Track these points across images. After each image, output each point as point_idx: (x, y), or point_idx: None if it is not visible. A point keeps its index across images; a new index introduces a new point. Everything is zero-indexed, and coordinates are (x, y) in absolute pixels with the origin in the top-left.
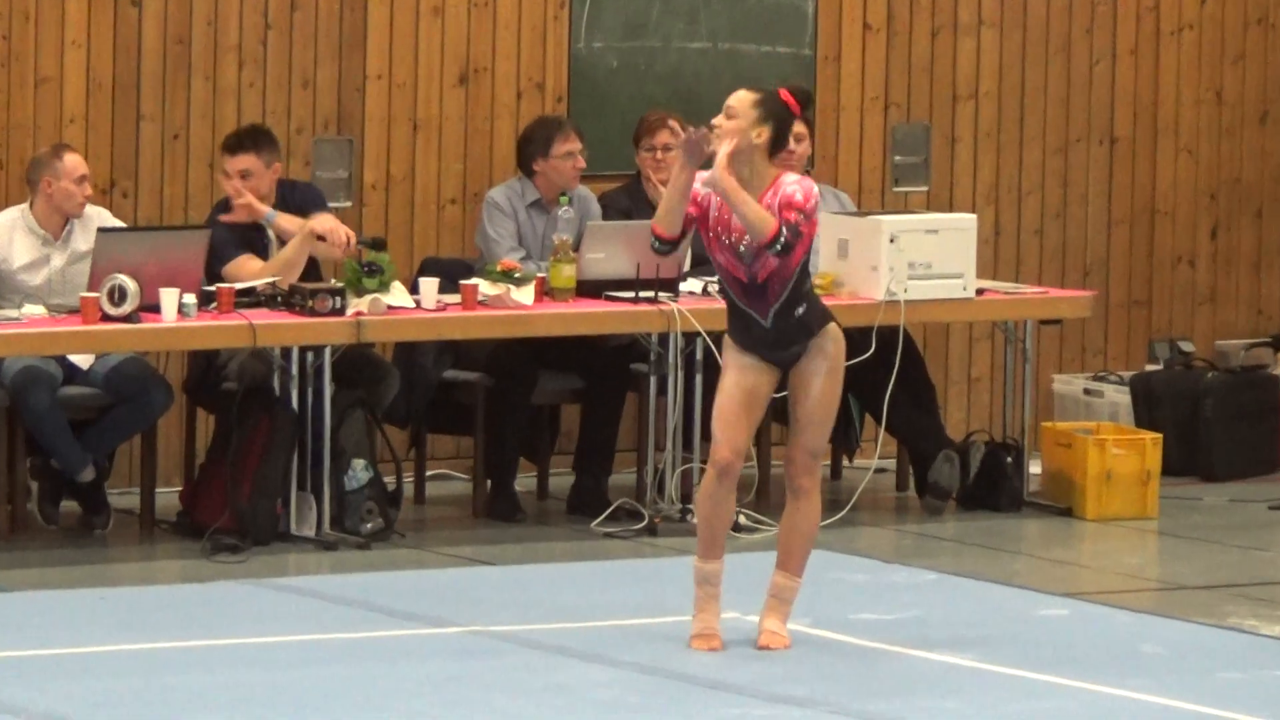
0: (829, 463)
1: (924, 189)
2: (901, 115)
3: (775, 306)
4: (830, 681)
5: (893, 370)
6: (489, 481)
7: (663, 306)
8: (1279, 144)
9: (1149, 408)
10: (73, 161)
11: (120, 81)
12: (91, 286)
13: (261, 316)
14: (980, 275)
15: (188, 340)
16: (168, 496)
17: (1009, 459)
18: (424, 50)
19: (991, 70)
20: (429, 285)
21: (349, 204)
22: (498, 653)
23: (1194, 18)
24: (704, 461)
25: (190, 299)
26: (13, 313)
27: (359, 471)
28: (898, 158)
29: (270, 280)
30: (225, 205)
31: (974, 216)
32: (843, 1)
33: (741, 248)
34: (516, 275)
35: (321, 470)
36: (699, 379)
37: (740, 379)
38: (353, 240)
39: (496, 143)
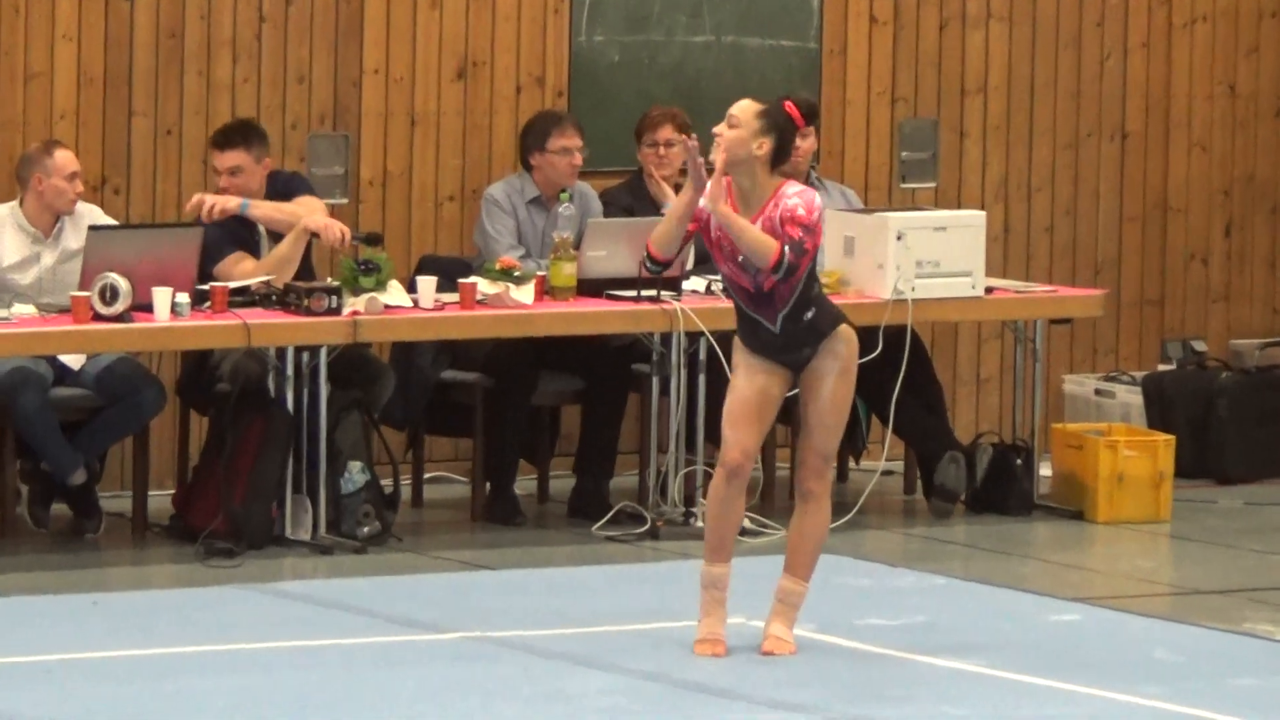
0: (835, 465)
1: (932, 185)
2: (909, 110)
3: (784, 312)
4: (836, 688)
5: (899, 371)
6: (488, 484)
7: (665, 305)
8: None
9: (1162, 409)
10: (63, 158)
11: (112, 76)
12: (83, 285)
13: (256, 316)
14: (989, 273)
15: (181, 340)
16: (160, 499)
17: (1018, 461)
18: (421, 43)
19: (1000, 64)
20: (427, 284)
21: (345, 201)
22: (497, 659)
23: (1207, 10)
24: (708, 463)
25: (183, 298)
26: (2, 312)
27: (355, 474)
28: (905, 153)
29: (265, 279)
30: None
31: (983, 213)
32: None
33: (741, 258)
34: (516, 274)
35: (317, 473)
36: (702, 379)
37: (751, 380)
38: (347, 236)
39: (495, 138)
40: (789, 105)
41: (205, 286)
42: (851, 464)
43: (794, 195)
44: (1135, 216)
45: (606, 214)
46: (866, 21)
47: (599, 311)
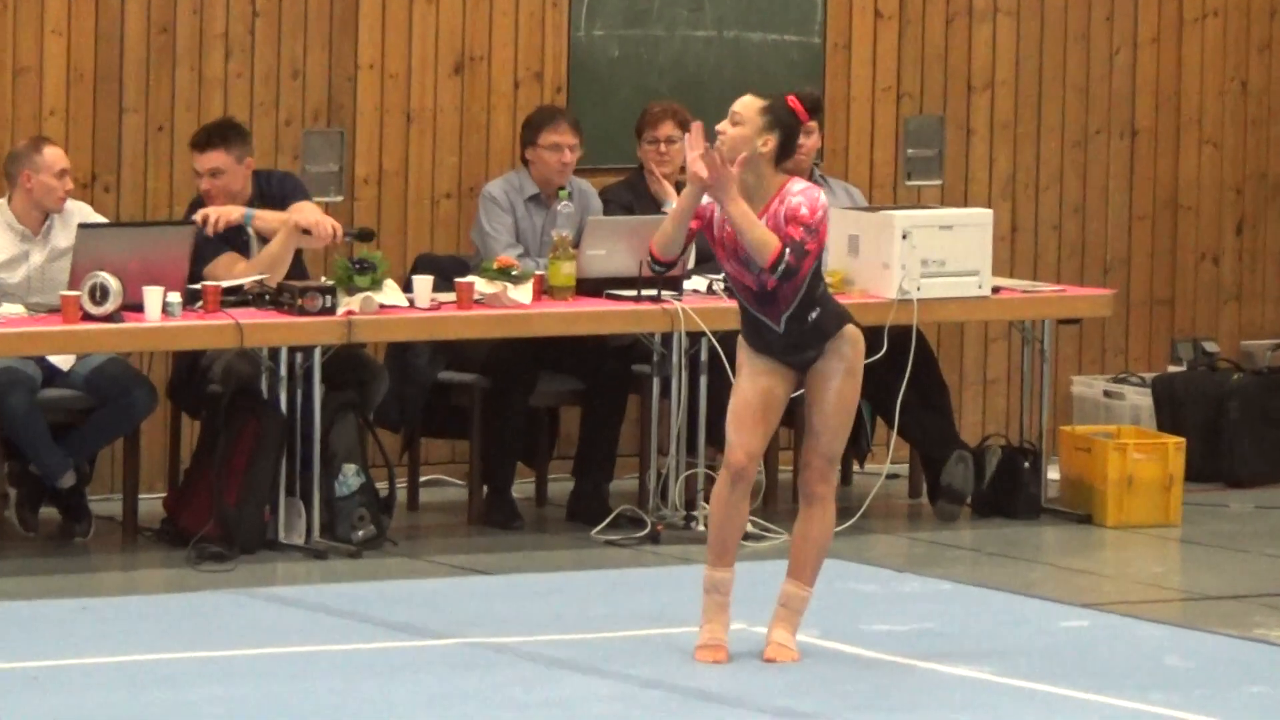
0: (839, 468)
1: (938, 183)
2: (914, 106)
3: (788, 313)
4: (840, 695)
5: (905, 372)
6: (485, 487)
7: (666, 305)
8: None
9: (1172, 410)
10: (53, 155)
11: (102, 71)
12: (72, 285)
13: (248, 316)
14: (996, 273)
15: (172, 340)
16: (151, 503)
17: (1026, 464)
18: (418, 38)
19: (1008, 59)
20: (423, 283)
21: (340, 198)
22: (494, 665)
23: (1218, 4)
24: (709, 466)
25: (174, 298)
26: None
27: (350, 477)
28: (910, 150)
29: (258, 278)
30: (199, 203)
31: (989, 212)
32: None
33: (744, 258)
34: (514, 273)
35: (311, 475)
36: (703, 380)
37: (755, 381)
38: (339, 233)
39: (493, 135)
40: (793, 100)
41: (197, 286)
42: (856, 467)
43: (798, 194)
44: (1145, 215)
45: (606, 212)
46: (871, 16)
47: (598, 311)
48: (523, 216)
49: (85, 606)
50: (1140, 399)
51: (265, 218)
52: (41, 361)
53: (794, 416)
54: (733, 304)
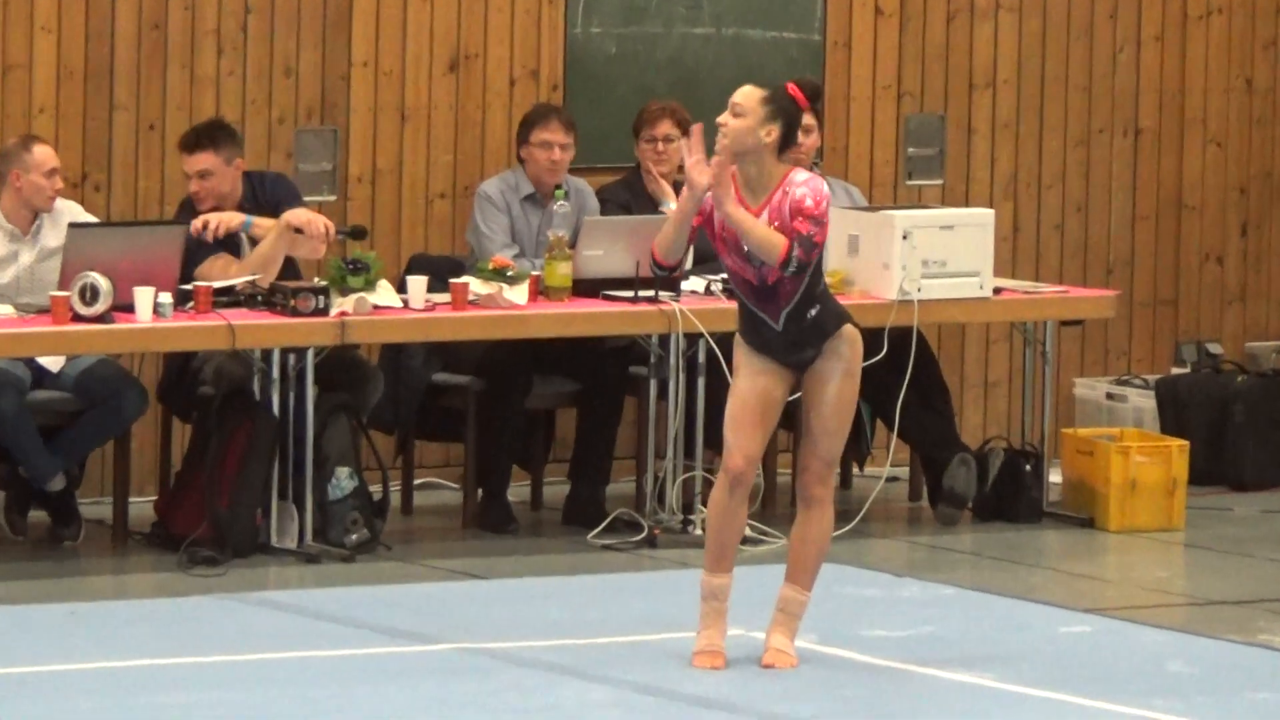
0: (838, 471)
1: (939, 182)
2: (915, 105)
3: (787, 309)
4: (839, 702)
5: (905, 374)
6: (480, 491)
7: (663, 306)
8: None
9: (1175, 413)
10: (42, 153)
11: (93, 69)
12: (62, 285)
13: (240, 317)
14: (998, 273)
15: (163, 341)
16: (142, 506)
17: (1028, 467)
18: (412, 35)
19: (1010, 57)
20: (417, 284)
21: (333, 198)
22: (489, 671)
23: (1223, 1)
24: (707, 469)
25: (166, 298)
26: None
27: (343, 480)
28: (911, 150)
29: (250, 279)
30: (189, 204)
31: (991, 212)
32: None
33: (748, 247)
34: (509, 273)
35: (304, 479)
36: (701, 382)
37: (753, 382)
38: (331, 231)
39: (488, 133)
40: (793, 88)
41: (188, 286)
42: (855, 470)
43: (802, 185)
44: (1149, 215)
45: (603, 211)
46: (872, 13)
47: (595, 312)
48: (518, 216)
49: (74, 611)
50: (1143, 401)
51: (264, 225)
52: (31, 363)
53: (794, 419)
54: (731, 305)
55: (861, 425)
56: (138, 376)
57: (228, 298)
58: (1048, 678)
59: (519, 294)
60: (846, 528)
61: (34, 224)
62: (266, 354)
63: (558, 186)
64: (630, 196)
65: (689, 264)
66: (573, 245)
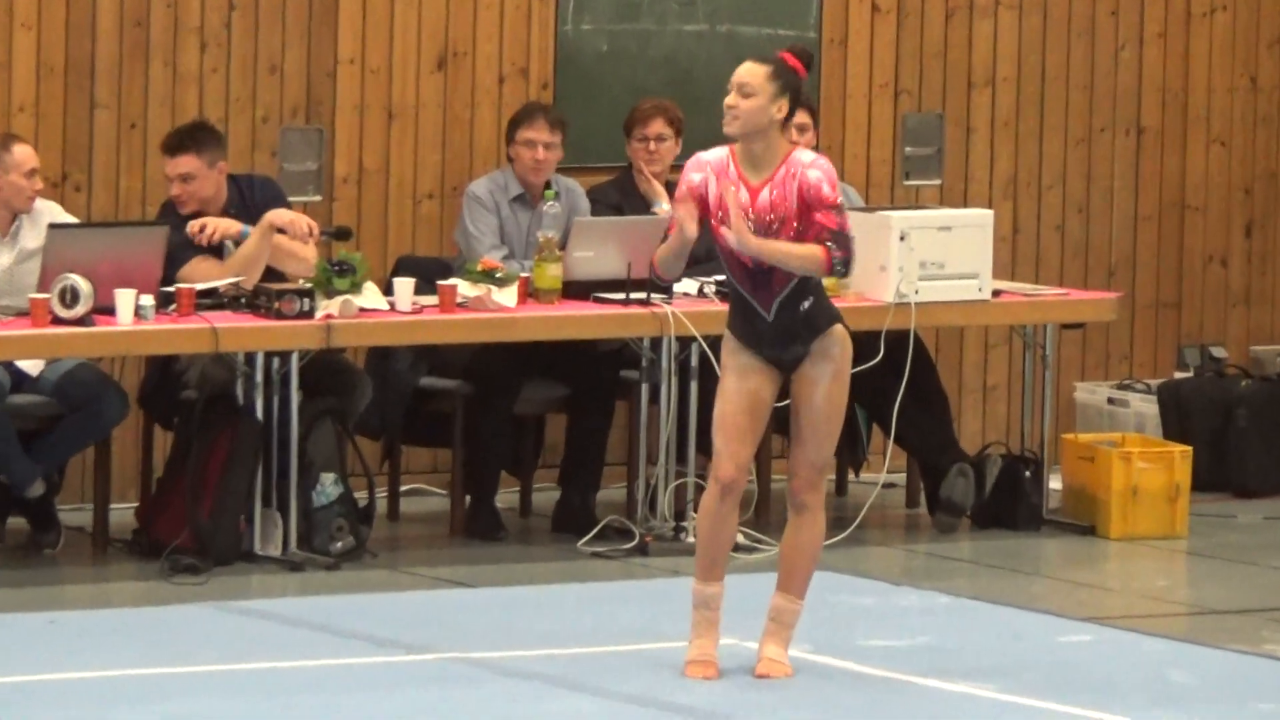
0: (834, 477)
1: (937, 183)
2: (913, 103)
3: (781, 297)
4: (835, 712)
5: (902, 378)
6: (468, 497)
7: (655, 309)
8: None
9: (1178, 418)
10: (22, 153)
11: (73, 66)
12: (41, 287)
13: (224, 319)
14: (997, 276)
15: (145, 345)
16: (123, 513)
17: (1027, 473)
18: (399, 32)
19: (1010, 55)
20: (404, 286)
21: (318, 198)
22: (477, 682)
23: None
24: (699, 475)
25: (147, 300)
26: None
27: (328, 486)
28: (909, 149)
29: (233, 280)
30: (170, 207)
31: (990, 212)
32: None
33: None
34: (498, 275)
35: (288, 485)
36: (694, 387)
37: (741, 384)
38: (315, 232)
39: (477, 132)
40: (791, 59)
41: (170, 289)
42: (851, 476)
43: (813, 167)
44: (1151, 216)
45: (594, 212)
46: (869, 9)
47: (585, 315)
48: (507, 217)
49: (54, 620)
50: (1145, 406)
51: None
52: (9, 366)
53: (788, 424)
54: (724, 308)
55: (858, 431)
56: (119, 380)
57: (211, 300)
58: (1047, 688)
59: (508, 296)
60: (842, 535)
61: (13, 225)
62: (250, 357)
63: (548, 186)
64: (622, 197)
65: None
66: (563, 246)
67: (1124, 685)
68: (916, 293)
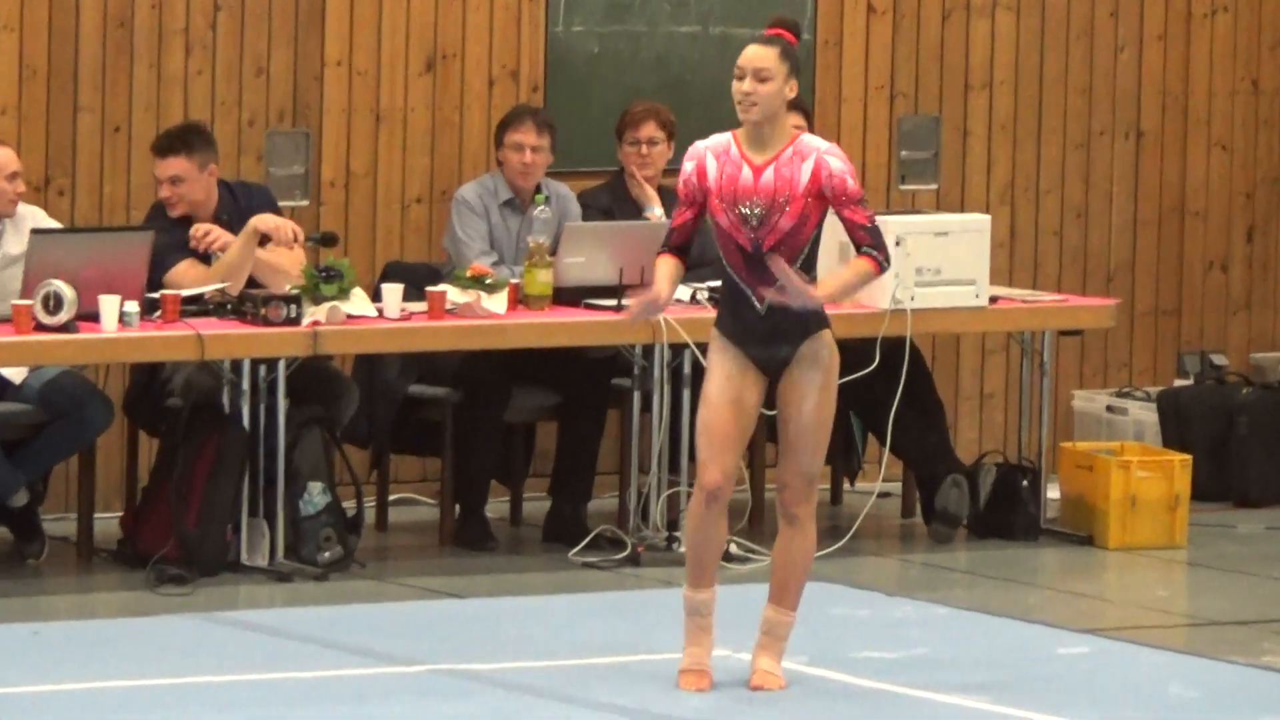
0: (828, 486)
1: (933, 187)
2: (909, 106)
3: (776, 286)
4: None
5: (898, 386)
6: (457, 507)
7: None
8: None
9: (1178, 426)
10: (4, 156)
11: (56, 68)
12: (24, 293)
13: (210, 326)
14: (994, 282)
15: (129, 352)
16: (107, 523)
17: (1025, 483)
18: (387, 34)
19: (1007, 57)
20: (392, 292)
21: (305, 202)
22: (467, 693)
23: (1228, 0)
24: (692, 485)
25: (132, 307)
26: None
27: (316, 495)
28: (905, 153)
29: (219, 287)
30: (160, 209)
31: (987, 217)
32: None
33: (744, 209)
34: (488, 281)
35: (275, 494)
36: (686, 394)
37: (726, 387)
38: (300, 237)
39: (466, 136)
40: (786, 34)
41: (156, 295)
42: (846, 485)
43: (833, 155)
44: (1151, 220)
45: (585, 217)
46: (864, 11)
47: (576, 322)
48: (497, 222)
49: (38, 631)
50: (1145, 414)
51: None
52: None
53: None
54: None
55: (853, 439)
56: (103, 388)
57: (196, 306)
58: (1045, 700)
59: (498, 303)
60: (837, 545)
61: None
62: (236, 365)
63: (538, 191)
64: (613, 201)
65: None
66: (553, 252)
67: (1122, 697)
68: (912, 299)
